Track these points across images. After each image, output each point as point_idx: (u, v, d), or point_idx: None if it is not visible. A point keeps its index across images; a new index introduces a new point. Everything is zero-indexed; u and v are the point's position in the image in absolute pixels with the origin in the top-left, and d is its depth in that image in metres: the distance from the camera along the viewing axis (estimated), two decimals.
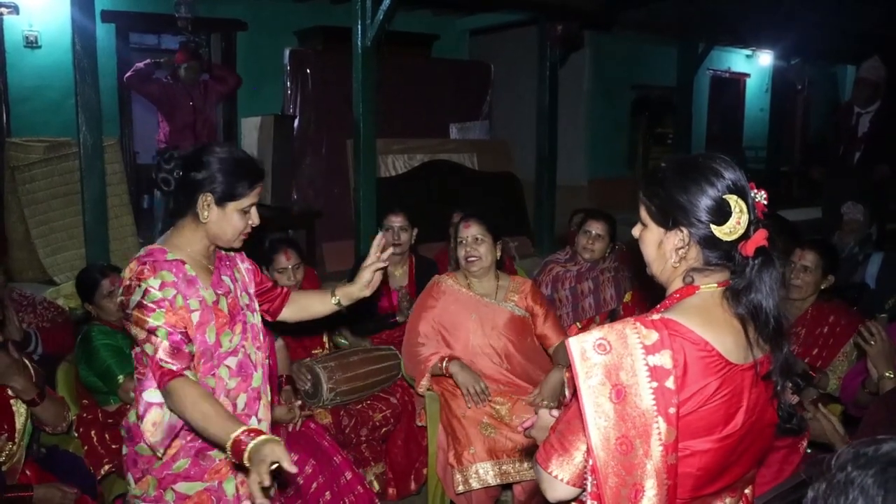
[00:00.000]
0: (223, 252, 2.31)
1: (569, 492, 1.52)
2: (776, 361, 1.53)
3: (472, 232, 3.40)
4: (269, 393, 2.37)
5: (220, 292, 2.20)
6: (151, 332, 2.02)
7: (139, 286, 2.04)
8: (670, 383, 1.40)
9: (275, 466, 1.79)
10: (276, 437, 1.91)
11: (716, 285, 1.53)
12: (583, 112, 9.55)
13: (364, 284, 2.47)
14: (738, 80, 12.22)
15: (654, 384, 1.40)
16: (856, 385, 3.04)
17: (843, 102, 8.59)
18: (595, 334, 1.45)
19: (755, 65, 12.23)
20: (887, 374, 2.75)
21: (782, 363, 1.53)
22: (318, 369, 3.46)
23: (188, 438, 2.18)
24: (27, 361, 2.90)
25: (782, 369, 1.53)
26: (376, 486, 3.62)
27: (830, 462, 1.10)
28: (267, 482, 1.78)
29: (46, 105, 6.96)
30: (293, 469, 1.82)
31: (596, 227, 4.18)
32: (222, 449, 1.95)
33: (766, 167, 10.97)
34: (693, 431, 1.45)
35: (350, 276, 4.38)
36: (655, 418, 1.39)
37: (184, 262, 2.13)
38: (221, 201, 2.11)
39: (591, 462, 1.42)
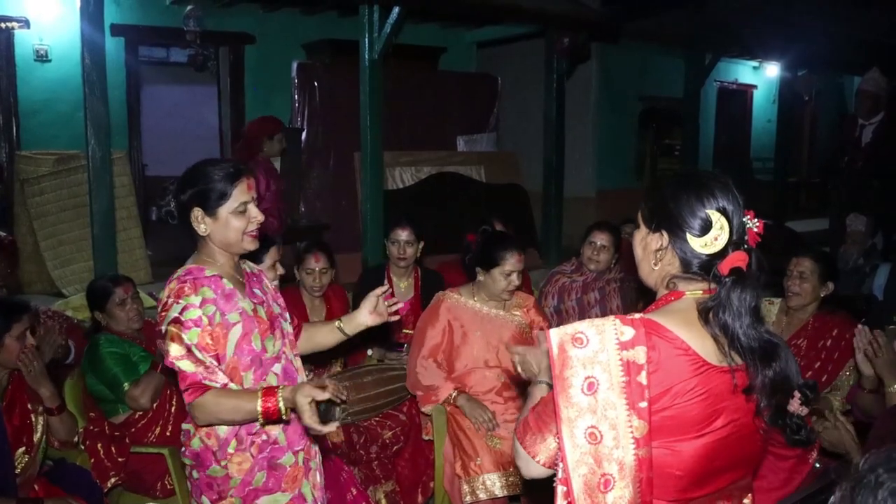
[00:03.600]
0: (248, 270, 2.35)
1: (541, 471, 1.57)
2: (754, 379, 1.53)
3: (521, 266, 3.41)
4: None
5: (255, 302, 2.26)
6: (189, 349, 2.06)
7: (178, 303, 2.09)
8: (642, 378, 1.44)
9: (316, 402, 1.94)
10: (295, 385, 2.02)
11: (701, 292, 1.57)
12: (590, 123, 9.54)
13: (367, 311, 2.49)
14: (745, 92, 12.20)
15: (626, 378, 1.44)
16: (857, 389, 3.04)
17: (849, 114, 8.60)
18: (575, 327, 1.50)
19: (762, 76, 12.22)
20: (894, 388, 2.75)
21: (767, 384, 1.53)
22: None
23: (255, 452, 2.21)
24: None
25: (762, 388, 1.54)
26: None
27: (859, 464, 1.11)
28: (317, 424, 1.93)
29: (56, 118, 7.00)
30: (325, 395, 1.95)
31: (601, 239, 4.18)
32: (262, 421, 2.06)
33: (773, 178, 10.94)
34: (669, 429, 1.47)
35: (356, 288, 4.41)
36: (626, 411, 1.44)
37: (221, 277, 2.19)
38: (210, 209, 2.14)
39: (561, 450, 1.46)
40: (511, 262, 3.36)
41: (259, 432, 2.19)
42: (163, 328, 2.11)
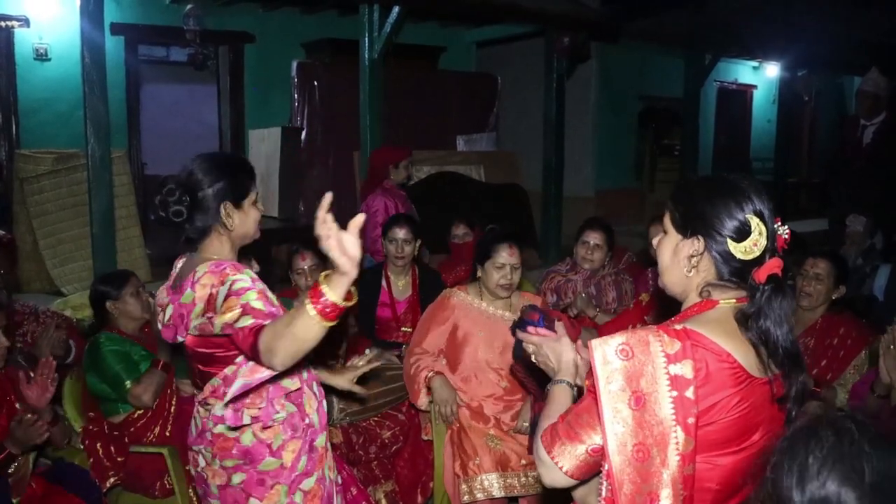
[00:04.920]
0: None
1: (565, 481, 1.53)
2: (789, 388, 1.51)
3: (514, 260, 3.34)
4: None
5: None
6: (245, 308, 1.93)
7: (223, 283, 1.99)
8: (690, 393, 1.41)
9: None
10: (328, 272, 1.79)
11: (734, 301, 1.54)
12: (590, 123, 9.54)
13: (347, 380, 2.67)
14: (744, 92, 12.21)
15: (674, 393, 1.40)
16: (865, 390, 3.03)
17: (851, 115, 8.61)
18: (618, 339, 1.45)
19: (762, 76, 12.22)
20: None
21: (798, 391, 1.52)
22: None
23: (302, 436, 2.23)
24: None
25: (797, 397, 1.52)
26: None
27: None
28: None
29: (55, 117, 7.00)
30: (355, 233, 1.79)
31: (594, 237, 4.17)
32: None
33: (773, 178, 10.95)
34: (712, 443, 1.45)
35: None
36: (674, 427, 1.40)
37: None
38: (238, 202, 2.15)
39: (606, 467, 1.43)
40: (503, 256, 3.31)
41: (304, 414, 2.21)
42: (215, 313, 1.98)
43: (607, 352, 1.44)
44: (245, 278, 2.01)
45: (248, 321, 1.91)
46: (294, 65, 7.35)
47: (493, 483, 3.19)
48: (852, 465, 1.10)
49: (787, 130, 11.22)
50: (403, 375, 3.53)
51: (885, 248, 5.95)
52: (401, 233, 4.21)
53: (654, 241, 1.71)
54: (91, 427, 3.26)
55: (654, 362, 1.42)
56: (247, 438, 2.15)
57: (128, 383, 3.15)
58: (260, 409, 2.15)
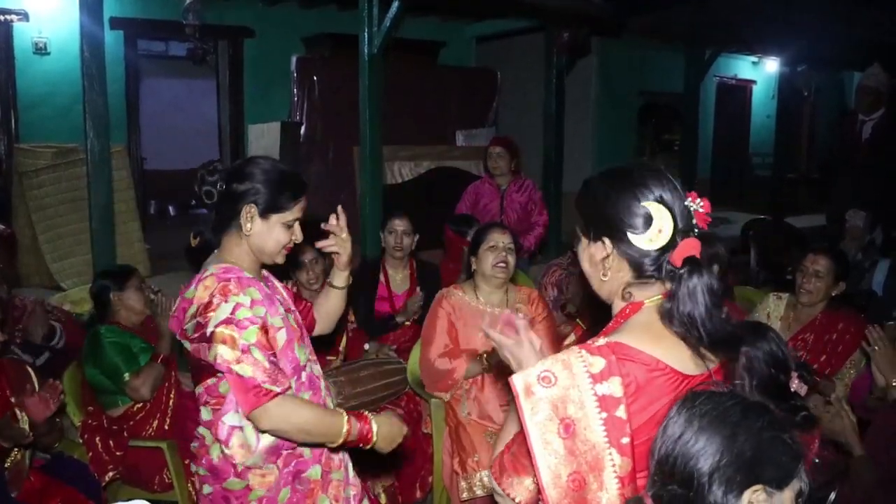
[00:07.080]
0: (265, 275, 2.24)
1: None
2: (734, 366, 1.44)
3: (507, 240, 3.39)
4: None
5: (284, 308, 2.17)
6: (245, 351, 1.93)
7: (226, 302, 1.96)
8: (621, 412, 1.35)
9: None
10: (385, 413, 2.08)
11: (660, 297, 1.48)
12: (589, 119, 9.53)
13: (339, 263, 2.39)
14: (744, 87, 12.19)
15: (604, 415, 1.34)
16: (864, 385, 3.04)
17: (849, 112, 8.61)
18: (538, 367, 1.39)
19: (761, 71, 12.21)
20: (894, 383, 2.74)
21: (747, 363, 1.44)
22: (329, 383, 3.44)
23: (281, 465, 2.09)
24: (31, 372, 2.97)
25: (747, 368, 1.44)
26: (384, 499, 3.60)
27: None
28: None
29: (55, 111, 6.98)
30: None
31: None
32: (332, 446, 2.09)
33: (772, 174, 10.95)
34: None
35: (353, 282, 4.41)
36: (608, 450, 1.34)
37: (258, 281, 2.10)
38: (265, 213, 2.06)
39: (542, 500, 1.37)
40: (494, 236, 3.36)
41: (289, 444, 2.09)
42: (207, 331, 1.95)
43: (530, 382, 1.37)
44: (246, 307, 1.97)
45: (247, 371, 1.92)
46: (293, 59, 7.33)
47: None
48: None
49: (787, 126, 11.22)
50: (422, 372, 3.51)
51: (884, 243, 5.96)
52: (400, 224, 4.22)
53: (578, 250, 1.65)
54: (90, 421, 3.27)
55: (579, 385, 1.35)
56: (215, 453, 2.08)
57: (126, 375, 3.16)
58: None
